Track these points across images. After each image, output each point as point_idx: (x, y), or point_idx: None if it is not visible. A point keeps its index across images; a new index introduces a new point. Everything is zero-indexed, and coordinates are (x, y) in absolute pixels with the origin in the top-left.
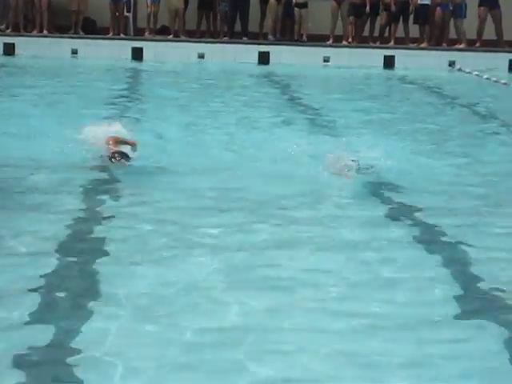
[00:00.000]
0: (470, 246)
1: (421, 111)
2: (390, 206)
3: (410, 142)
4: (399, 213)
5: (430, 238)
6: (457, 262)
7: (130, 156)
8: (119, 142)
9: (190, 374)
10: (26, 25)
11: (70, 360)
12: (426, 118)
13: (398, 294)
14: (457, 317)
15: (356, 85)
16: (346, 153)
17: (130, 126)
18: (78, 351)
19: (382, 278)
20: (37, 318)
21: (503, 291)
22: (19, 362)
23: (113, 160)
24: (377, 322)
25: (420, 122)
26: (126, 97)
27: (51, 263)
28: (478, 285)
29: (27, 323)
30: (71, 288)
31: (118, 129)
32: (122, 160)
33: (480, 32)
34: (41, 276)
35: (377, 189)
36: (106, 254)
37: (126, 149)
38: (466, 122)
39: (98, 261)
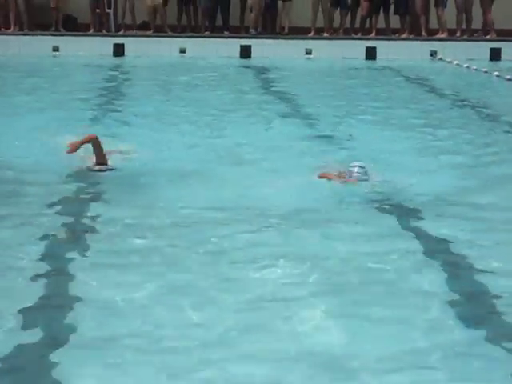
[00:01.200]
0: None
1: (404, 102)
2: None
3: (397, 136)
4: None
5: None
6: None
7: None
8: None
9: None
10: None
11: None
12: (411, 110)
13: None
14: None
15: (339, 77)
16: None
17: (113, 127)
18: None
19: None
20: None
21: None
22: None
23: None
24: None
25: (405, 113)
26: (109, 95)
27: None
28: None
29: None
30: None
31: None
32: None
33: (459, 21)
34: None
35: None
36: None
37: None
38: (448, 112)
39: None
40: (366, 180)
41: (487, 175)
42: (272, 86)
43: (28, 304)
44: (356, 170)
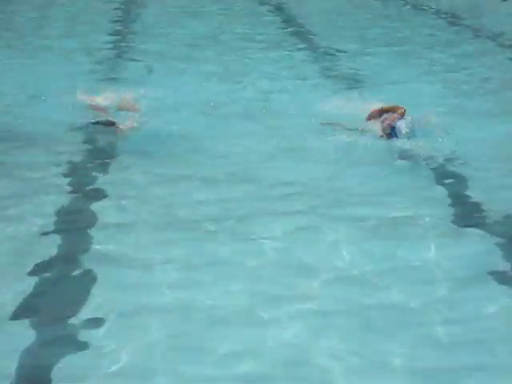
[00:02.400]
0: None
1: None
2: None
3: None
4: None
5: None
6: None
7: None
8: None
9: None
10: None
11: None
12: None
13: None
14: None
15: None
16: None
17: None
18: None
19: None
20: None
21: None
22: None
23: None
24: None
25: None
26: (121, 33)
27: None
28: None
29: None
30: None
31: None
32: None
33: None
34: None
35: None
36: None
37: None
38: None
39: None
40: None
41: None
42: (289, 18)
43: None
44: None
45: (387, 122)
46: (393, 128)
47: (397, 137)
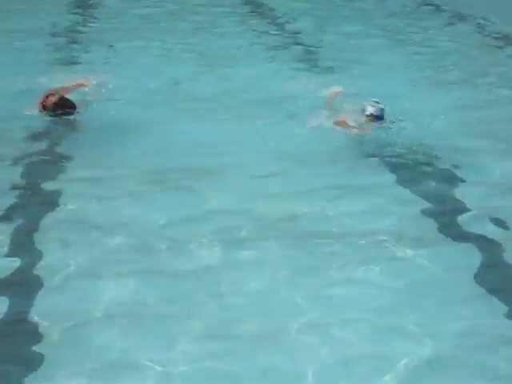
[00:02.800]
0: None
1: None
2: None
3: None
4: None
5: None
6: None
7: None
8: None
9: None
10: None
11: None
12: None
13: None
14: None
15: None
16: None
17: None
18: None
19: None
20: None
21: None
22: None
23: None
24: None
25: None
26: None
27: None
28: None
29: None
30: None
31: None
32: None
33: None
34: None
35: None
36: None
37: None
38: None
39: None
40: (381, 118)
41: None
42: (266, 12)
43: None
44: (371, 107)
45: (365, 117)
46: (372, 114)
47: (382, 118)
